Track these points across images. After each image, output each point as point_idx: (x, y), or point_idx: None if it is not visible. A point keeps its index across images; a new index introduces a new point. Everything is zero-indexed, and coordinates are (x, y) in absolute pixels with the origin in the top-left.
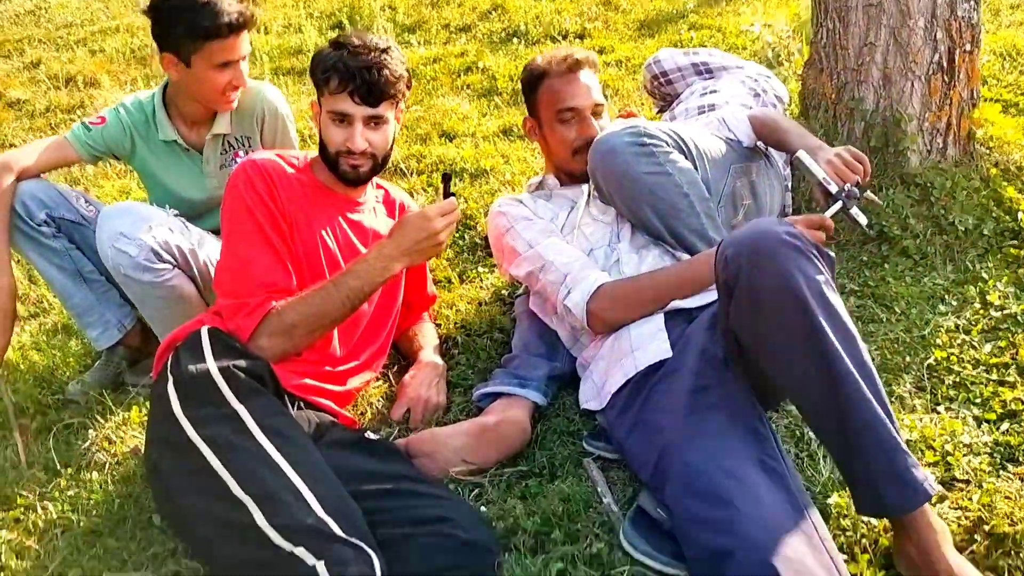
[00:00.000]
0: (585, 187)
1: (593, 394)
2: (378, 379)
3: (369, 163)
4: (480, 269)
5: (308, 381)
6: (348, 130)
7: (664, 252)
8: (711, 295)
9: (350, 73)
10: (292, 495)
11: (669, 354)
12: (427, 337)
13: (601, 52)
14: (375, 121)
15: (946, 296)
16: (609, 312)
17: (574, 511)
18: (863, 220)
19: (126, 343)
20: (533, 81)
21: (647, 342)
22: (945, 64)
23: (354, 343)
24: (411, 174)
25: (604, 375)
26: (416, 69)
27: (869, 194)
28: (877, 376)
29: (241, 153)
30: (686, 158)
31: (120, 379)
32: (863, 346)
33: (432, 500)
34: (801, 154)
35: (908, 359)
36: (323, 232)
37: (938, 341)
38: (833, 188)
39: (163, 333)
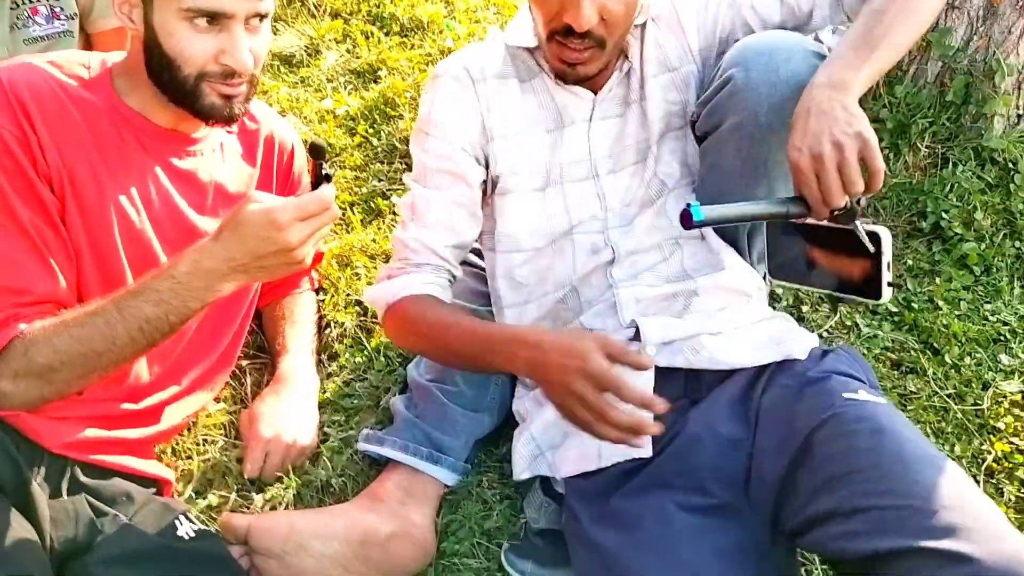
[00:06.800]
0: (591, 99)
1: (532, 458)
2: (218, 399)
3: (247, 88)
4: (397, 195)
5: (92, 433)
6: (222, 37)
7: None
8: (723, 355)
9: None
10: None
11: (648, 453)
12: (299, 327)
13: None
14: (260, 18)
15: (1012, 343)
16: (396, 338)
17: None
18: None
19: None
20: None
21: None
22: None
23: (173, 360)
24: (322, 14)
25: (549, 436)
26: None
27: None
28: None
29: (42, 9)
30: None
31: None
32: None
33: None
34: None
35: (958, 447)
36: (123, 198)
37: (1000, 423)
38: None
39: None
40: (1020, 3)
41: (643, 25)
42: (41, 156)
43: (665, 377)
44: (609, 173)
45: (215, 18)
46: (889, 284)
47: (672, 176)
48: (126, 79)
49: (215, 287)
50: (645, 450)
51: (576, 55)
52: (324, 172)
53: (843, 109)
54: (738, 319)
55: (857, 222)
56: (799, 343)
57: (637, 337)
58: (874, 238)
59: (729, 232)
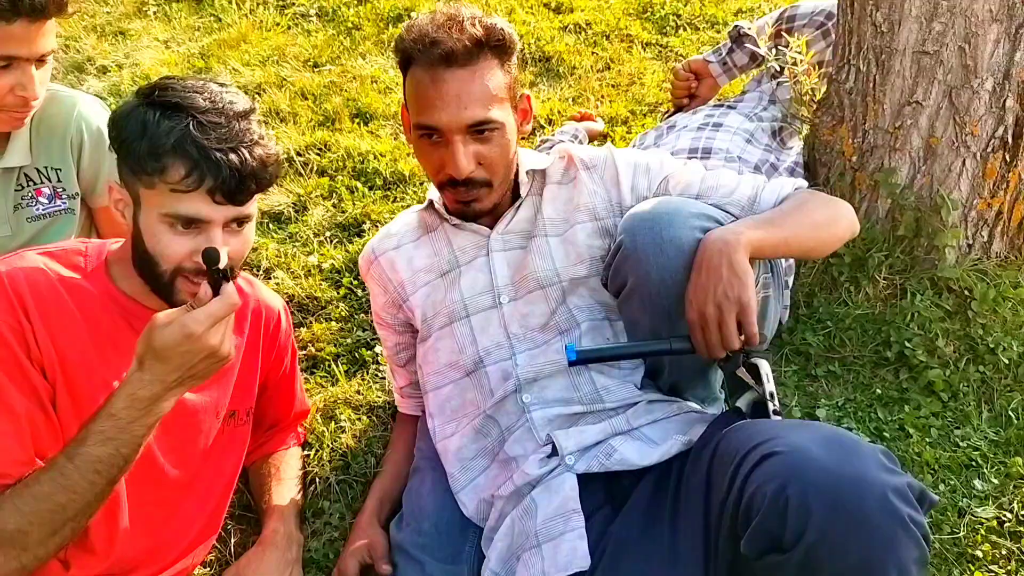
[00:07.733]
0: (487, 234)
1: None
2: (205, 563)
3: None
4: (380, 346)
5: None
6: (199, 240)
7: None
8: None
9: (210, 161)
10: None
11: (586, 564)
12: (284, 485)
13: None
14: (239, 222)
15: (984, 468)
16: None
17: None
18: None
19: None
20: (401, 61)
21: (558, 535)
22: (1010, 139)
23: (160, 533)
24: (309, 173)
25: (508, 567)
26: (336, 11)
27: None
28: None
29: (45, 191)
30: None
31: None
32: None
33: None
34: None
35: None
36: (115, 382)
37: (978, 551)
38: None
39: None
40: (955, 144)
41: (573, 172)
42: (35, 345)
43: (587, 484)
44: (511, 301)
45: (193, 222)
46: (775, 412)
47: (585, 311)
48: (120, 267)
49: (155, 410)
50: (583, 562)
51: (467, 195)
52: (221, 272)
53: (729, 267)
54: (653, 415)
55: (741, 367)
56: (700, 429)
57: (555, 452)
58: (754, 371)
59: (650, 367)
